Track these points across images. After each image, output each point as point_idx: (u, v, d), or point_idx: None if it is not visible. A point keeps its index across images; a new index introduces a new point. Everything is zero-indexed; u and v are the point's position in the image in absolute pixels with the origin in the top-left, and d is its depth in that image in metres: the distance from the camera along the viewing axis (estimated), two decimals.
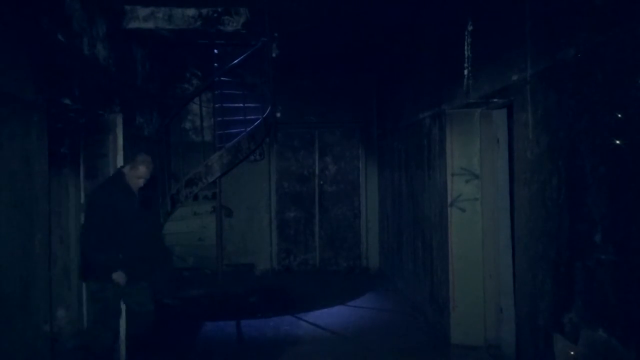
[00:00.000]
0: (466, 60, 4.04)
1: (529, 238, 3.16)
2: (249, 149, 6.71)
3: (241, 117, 7.07)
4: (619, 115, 2.25)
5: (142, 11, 5.49)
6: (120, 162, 4.41)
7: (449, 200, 4.50)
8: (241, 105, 7.19)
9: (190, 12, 5.58)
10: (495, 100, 3.86)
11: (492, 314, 4.35)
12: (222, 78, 7.41)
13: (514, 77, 3.24)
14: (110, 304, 3.88)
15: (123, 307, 4.14)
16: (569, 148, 2.65)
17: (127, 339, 4.21)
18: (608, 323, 2.36)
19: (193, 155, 7.50)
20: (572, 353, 2.66)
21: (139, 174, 3.84)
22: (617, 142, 2.27)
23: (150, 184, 4.13)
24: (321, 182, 8.20)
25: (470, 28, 3.97)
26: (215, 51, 7.69)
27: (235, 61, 6.58)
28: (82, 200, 4.81)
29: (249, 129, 6.63)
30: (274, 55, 6.39)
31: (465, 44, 4.04)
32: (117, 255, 3.75)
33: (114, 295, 3.84)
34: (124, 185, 3.87)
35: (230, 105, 7.61)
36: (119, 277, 3.72)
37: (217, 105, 7.64)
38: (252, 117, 7.08)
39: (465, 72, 4.05)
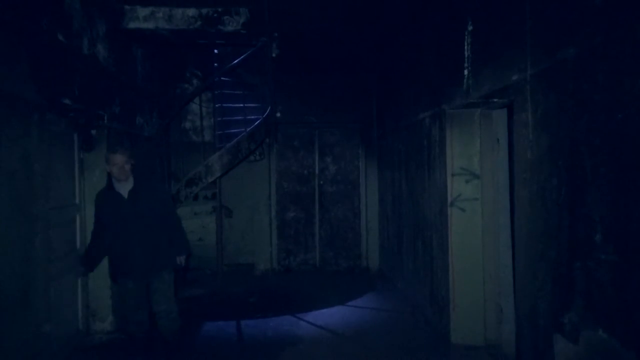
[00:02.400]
0: (466, 60, 4.04)
1: (529, 238, 3.16)
2: (249, 149, 6.71)
3: (241, 117, 7.08)
4: (619, 116, 2.25)
5: (142, 11, 5.49)
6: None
7: (449, 200, 4.50)
8: (241, 105, 7.20)
9: (190, 12, 5.58)
10: (495, 100, 3.86)
11: (492, 314, 4.35)
12: (222, 78, 7.41)
13: (514, 77, 3.24)
14: (127, 300, 4.05)
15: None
16: (569, 148, 2.66)
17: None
18: (608, 323, 2.36)
19: (193, 155, 7.52)
20: (572, 353, 2.66)
21: (109, 170, 3.87)
22: (617, 142, 2.27)
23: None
24: (321, 182, 8.20)
25: (470, 28, 3.97)
26: (215, 51, 7.69)
27: (235, 61, 6.58)
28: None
29: (249, 129, 6.63)
30: (274, 55, 6.38)
31: (465, 44, 4.04)
32: (115, 252, 3.97)
33: (129, 290, 3.98)
34: (109, 184, 3.95)
35: (230, 105, 7.62)
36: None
37: (217, 105, 7.65)
38: (252, 117, 7.08)
39: (465, 72, 4.05)
